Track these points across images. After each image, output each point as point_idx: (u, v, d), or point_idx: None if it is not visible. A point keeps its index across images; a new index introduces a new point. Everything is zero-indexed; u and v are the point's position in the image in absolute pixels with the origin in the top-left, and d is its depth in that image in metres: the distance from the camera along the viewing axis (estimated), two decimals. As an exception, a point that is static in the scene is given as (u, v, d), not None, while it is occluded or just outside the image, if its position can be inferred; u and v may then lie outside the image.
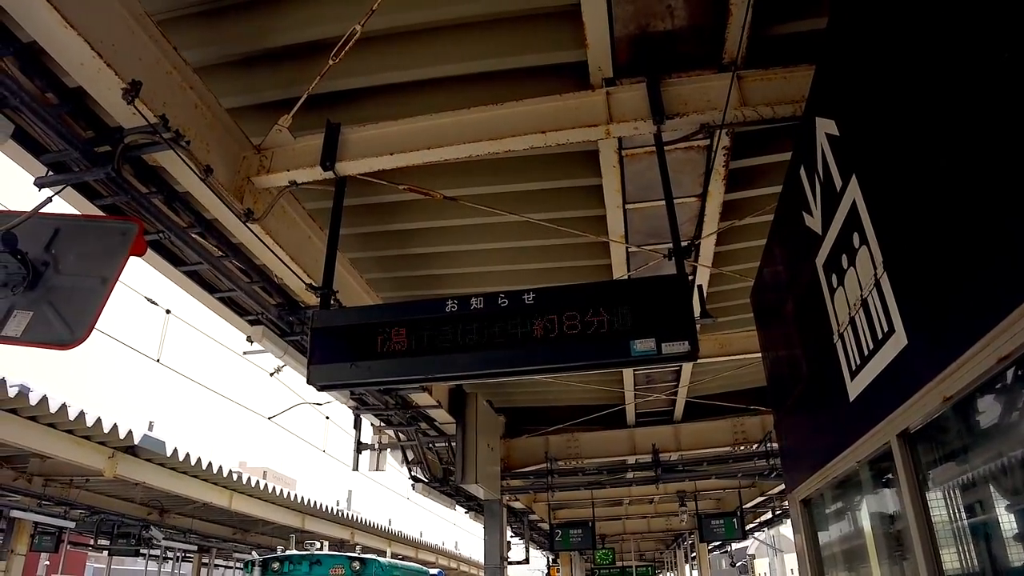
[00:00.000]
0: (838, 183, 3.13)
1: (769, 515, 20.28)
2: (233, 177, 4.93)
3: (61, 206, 4.58)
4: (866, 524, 3.81)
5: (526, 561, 17.60)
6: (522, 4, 4.58)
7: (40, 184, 4.35)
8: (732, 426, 12.10)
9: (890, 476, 3.13)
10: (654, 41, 4.59)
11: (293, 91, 4.87)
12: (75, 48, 3.58)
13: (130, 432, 11.82)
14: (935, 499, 2.78)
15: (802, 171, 3.71)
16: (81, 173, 4.36)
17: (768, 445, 11.67)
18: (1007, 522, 2.44)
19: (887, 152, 2.63)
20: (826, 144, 3.28)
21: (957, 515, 2.71)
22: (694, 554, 25.56)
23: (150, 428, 12.75)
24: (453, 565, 37.08)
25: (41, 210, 4.03)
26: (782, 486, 13.76)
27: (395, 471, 11.88)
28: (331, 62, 4.35)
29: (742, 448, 12.24)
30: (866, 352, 2.99)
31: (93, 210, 4.90)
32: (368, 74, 5.01)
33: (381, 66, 4.95)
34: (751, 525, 21.22)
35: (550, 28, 4.68)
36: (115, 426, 11.44)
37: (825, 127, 3.29)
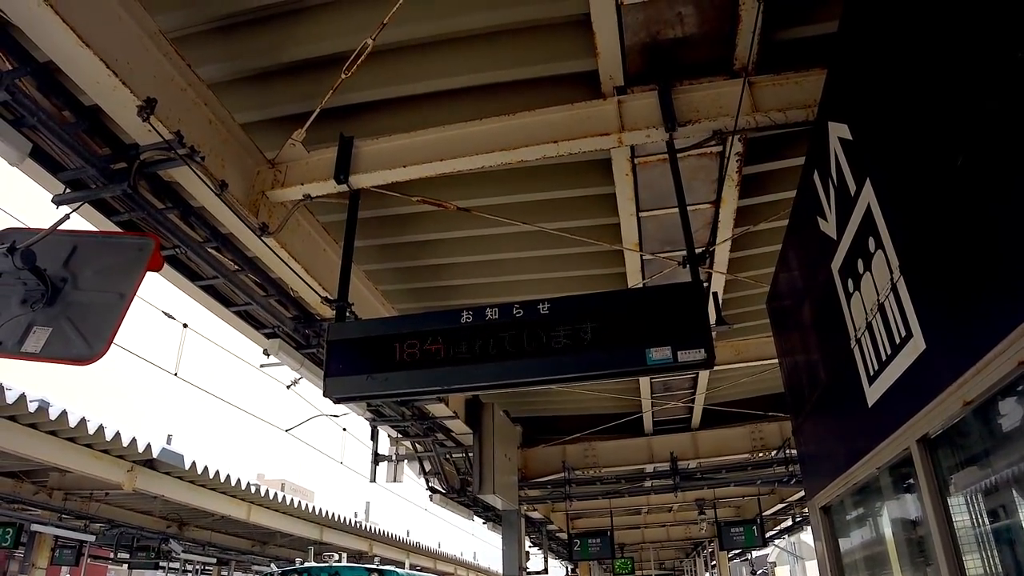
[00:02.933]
0: (852, 187, 3.11)
1: (789, 522, 20.10)
2: (248, 191, 4.96)
3: (79, 223, 4.62)
4: (887, 531, 3.77)
5: (545, 571, 17.51)
6: (533, 14, 4.59)
7: (58, 201, 4.39)
8: (750, 433, 12.01)
9: (911, 482, 3.10)
10: (665, 49, 4.59)
11: (306, 105, 4.90)
12: (91, 67, 3.62)
13: (149, 446, 11.88)
14: (957, 504, 2.75)
15: (816, 176, 3.69)
16: (98, 190, 4.41)
17: (787, 451, 11.58)
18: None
19: (901, 155, 2.62)
20: (839, 148, 3.27)
21: (980, 520, 2.68)
22: (714, 562, 25.37)
23: (168, 441, 12.82)
24: (472, 576, 36.99)
25: (59, 227, 4.07)
26: (802, 493, 13.65)
27: (413, 482, 11.89)
28: (343, 76, 4.37)
29: (761, 455, 12.14)
30: (884, 357, 2.96)
31: (110, 226, 4.94)
32: (380, 87, 5.04)
33: (393, 79, 4.97)
34: (771, 532, 21.01)
35: (561, 38, 4.69)
36: (134, 440, 11.50)
37: (838, 131, 3.27)
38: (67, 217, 4.18)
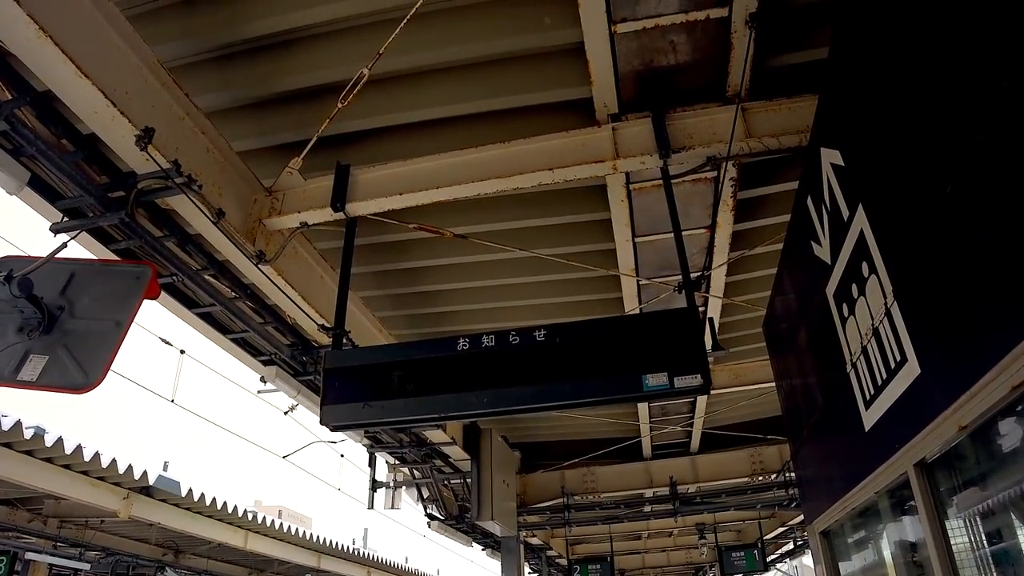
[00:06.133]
0: (845, 213, 3.14)
1: (791, 546, 19.94)
2: (245, 219, 4.98)
3: (76, 251, 4.64)
4: (887, 554, 3.76)
5: (545, 598, 17.35)
6: (527, 43, 4.63)
7: (55, 229, 4.41)
8: (750, 456, 11.95)
9: (910, 504, 3.10)
10: (658, 76, 4.63)
11: (303, 133, 4.93)
12: (89, 97, 3.64)
13: (145, 473, 11.79)
14: (955, 528, 2.75)
15: (809, 201, 3.72)
16: (96, 218, 4.42)
17: (787, 475, 11.52)
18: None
19: (892, 181, 2.64)
20: (832, 174, 3.29)
21: (978, 543, 2.68)
22: (715, 588, 25.15)
23: (165, 468, 12.72)
24: (471, 603, 36.53)
25: (56, 255, 4.08)
26: (802, 516, 13.57)
27: (411, 509, 11.80)
28: (340, 106, 4.41)
29: (760, 478, 12.08)
30: (879, 382, 2.97)
31: (107, 254, 4.95)
32: (377, 115, 5.07)
33: (389, 107, 5.01)
34: (772, 556, 20.85)
35: (555, 66, 4.73)
36: (130, 467, 11.42)
37: (830, 157, 3.30)
38: (64, 245, 4.19)
